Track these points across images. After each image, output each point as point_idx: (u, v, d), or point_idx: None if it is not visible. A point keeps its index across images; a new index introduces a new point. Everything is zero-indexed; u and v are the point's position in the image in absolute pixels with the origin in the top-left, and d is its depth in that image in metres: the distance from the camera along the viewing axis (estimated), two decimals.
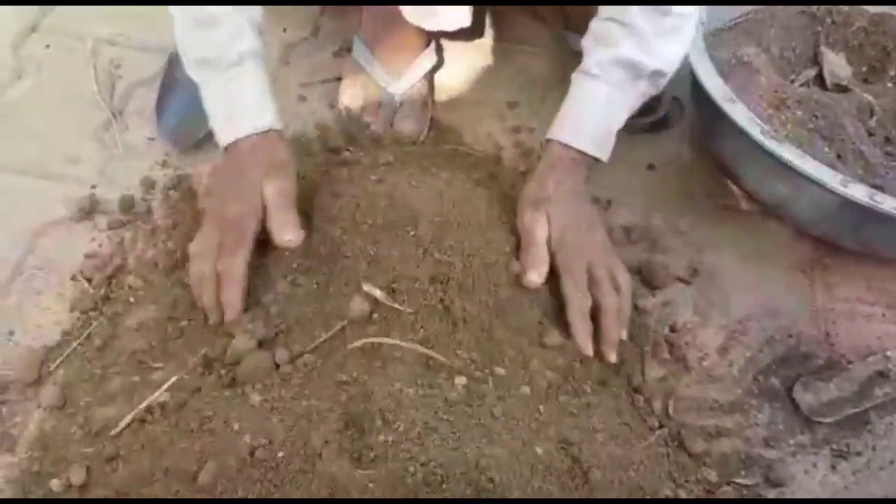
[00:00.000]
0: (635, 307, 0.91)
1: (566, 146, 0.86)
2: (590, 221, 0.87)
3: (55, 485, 0.72)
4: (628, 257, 0.95)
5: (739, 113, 0.87)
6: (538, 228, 0.82)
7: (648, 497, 0.71)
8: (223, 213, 0.81)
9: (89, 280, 0.89)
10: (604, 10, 0.87)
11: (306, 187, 0.89)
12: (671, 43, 0.86)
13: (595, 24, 0.87)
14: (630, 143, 1.08)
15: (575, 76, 0.88)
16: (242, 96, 0.84)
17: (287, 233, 0.79)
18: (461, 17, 0.97)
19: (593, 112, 0.87)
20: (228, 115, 0.84)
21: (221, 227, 0.80)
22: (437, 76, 1.13)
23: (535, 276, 0.80)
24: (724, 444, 0.82)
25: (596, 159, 0.87)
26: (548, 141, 0.88)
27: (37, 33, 1.16)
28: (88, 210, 0.95)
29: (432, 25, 0.98)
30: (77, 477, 0.73)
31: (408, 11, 0.96)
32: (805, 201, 0.89)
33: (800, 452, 0.83)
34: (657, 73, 0.87)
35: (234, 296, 0.76)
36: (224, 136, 0.84)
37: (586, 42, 0.88)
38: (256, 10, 0.86)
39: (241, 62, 0.83)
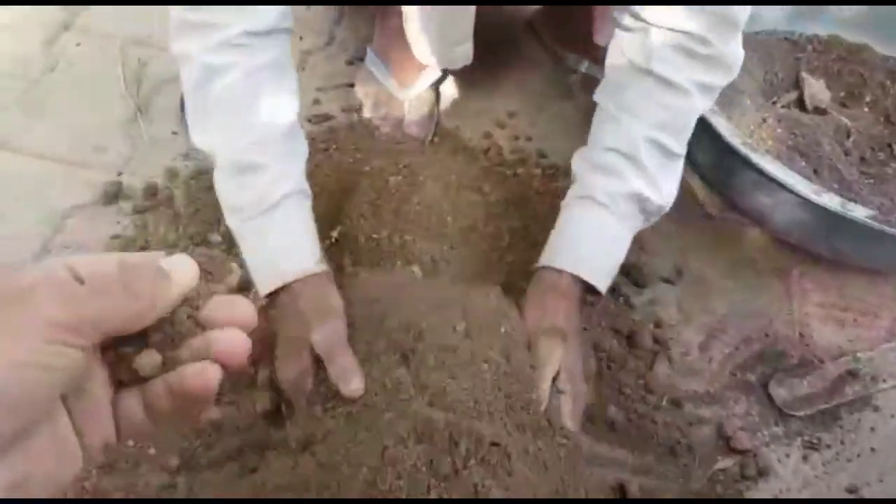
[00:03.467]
0: (625, 302, 0.98)
1: (576, 278, 0.80)
2: (588, 363, 0.84)
3: None
4: None
5: (722, 125, 0.94)
6: (553, 361, 0.75)
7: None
8: (279, 377, 0.75)
9: None
10: (602, 138, 0.83)
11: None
12: (670, 181, 0.84)
13: (594, 154, 0.83)
14: None
15: (579, 202, 0.83)
16: (281, 240, 0.77)
17: (351, 383, 0.68)
18: (464, 58, 1.05)
19: (603, 244, 0.83)
20: (267, 261, 0.77)
21: (280, 391, 0.75)
22: (443, 86, 1.21)
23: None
24: (703, 431, 0.88)
25: (596, 292, 0.82)
26: (556, 271, 0.81)
27: (69, 32, 1.23)
28: (114, 195, 1.02)
29: (441, 66, 1.07)
30: None
31: (419, 54, 1.04)
32: (782, 210, 0.96)
33: (773, 443, 0.89)
34: (660, 210, 0.84)
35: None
36: (263, 285, 0.76)
37: (583, 169, 0.84)
38: (303, 151, 0.81)
39: (279, 204, 0.76)
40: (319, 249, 0.78)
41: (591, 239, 0.82)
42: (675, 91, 0.79)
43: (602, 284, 0.81)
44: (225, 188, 0.78)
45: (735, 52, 0.80)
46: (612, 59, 0.85)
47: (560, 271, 0.80)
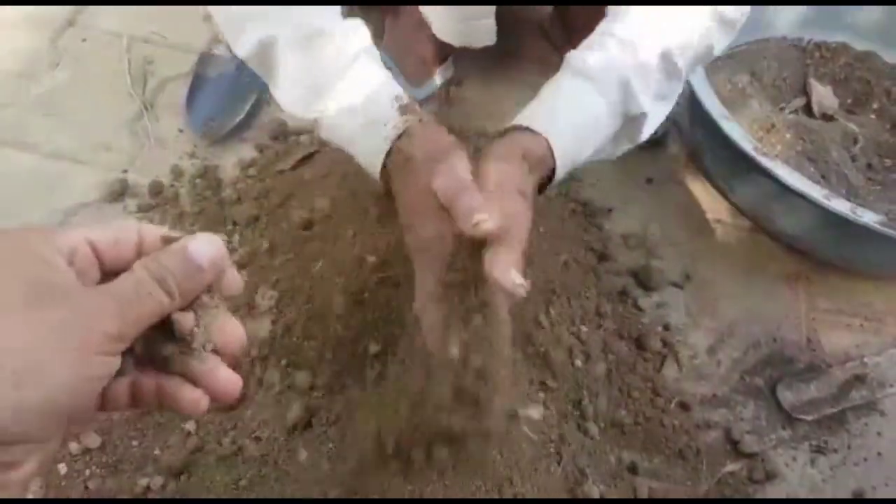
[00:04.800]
0: (634, 305, 0.97)
1: (549, 149, 0.67)
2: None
3: (73, 448, 0.79)
4: (626, 261, 1.03)
5: (734, 130, 0.94)
6: (524, 225, 0.62)
7: None
8: (419, 244, 0.63)
9: None
10: (601, 27, 0.75)
11: None
12: (661, 101, 0.75)
13: (591, 37, 0.75)
14: (630, 158, 1.15)
15: (572, 76, 0.72)
16: (374, 97, 0.67)
17: (477, 221, 0.55)
18: (487, 36, 1.03)
19: (584, 128, 0.71)
20: (366, 122, 0.67)
21: (429, 264, 0.61)
22: (453, 88, 1.20)
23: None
24: (711, 434, 0.88)
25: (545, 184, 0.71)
26: (534, 134, 0.67)
27: (74, 28, 1.23)
28: (119, 193, 1.01)
29: (461, 43, 1.05)
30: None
31: (438, 30, 1.02)
32: (791, 215, 0.96)
33: (781, 446, 0.89)
34: (639, 119, 0.73)
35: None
36: (372, 159, 0.66)
37: (577, 51, 0.74)
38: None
39: (356, 59, 0.68)
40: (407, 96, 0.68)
41: (575, 115, 0.70)
42: (685, 9, 0.74)
43: (561, 174, 0.70)
44: (294, 73, 0.69)
45: None
46: None
47: (536, 135, 0.67)
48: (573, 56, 0.73)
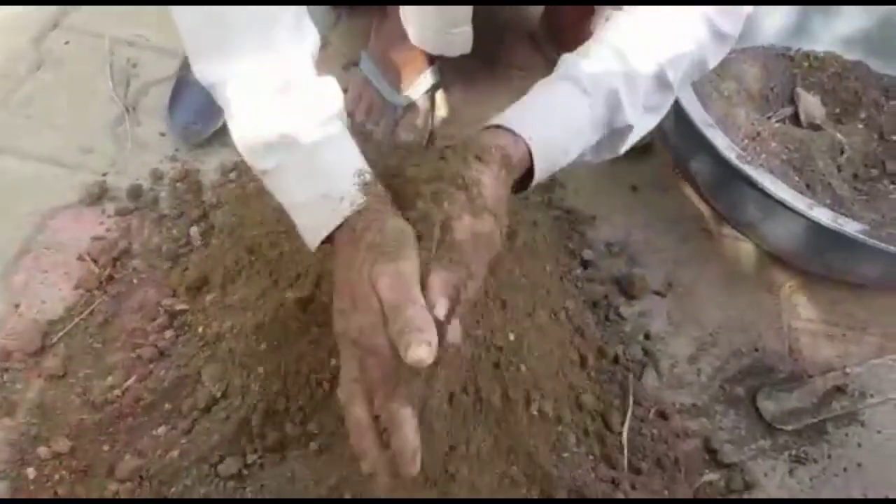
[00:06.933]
0: (617, 313, 0.97)
1: (529, 153, 0.67)
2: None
3: (42, 452, 0.78)
4: (609, 269, 1.02)
5: (717, 138, 0.93)
6: (487, 249, 0.63)
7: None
8: (349, 333, 0.59)
9: (95, 260, 0.93)
10: (597, 35, 0.76)
11: None
12: (648, 113, 0.76)
13: (586, 44, 0.75)
14: (615, 165, 1.15)
15: (561, 79, 0.72)
16: (339, 166, 0.63)
17: (414, 349, 0.51)
18: (464, 45, 1.03)
19: (568, 132, 0.71)
20: (324, 192, 0.62)
21: (356, 353, 0.58)
22: (438, 93, 1.20)
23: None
24: (690, 443, 0.87)
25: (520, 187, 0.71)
26: (513, 136, 0.67)
27: (57, 30, 1.22)
28: (98, 196, 1.00)
29: (437, 51, 1.04)
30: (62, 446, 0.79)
31: (415, 37, 1.02)
32: (774, 224, 0.95)
33: (760, 456, 0.88)
34: (623, 131, 0.74)
35: (405, 443, 0.54)
36: (319, 228, 0.63)
37: (570, 56, 0.74)
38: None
39: (322, 127, 0.63)
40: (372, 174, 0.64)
41: (559, 120, 0.70)
42: (680, 21, 0.74)
43: (539, 178, 0.70)
44: (259, 121, 0.64)
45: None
46: None
47: (517, 137, 0.67)
48: (567, 60, 0.74)
